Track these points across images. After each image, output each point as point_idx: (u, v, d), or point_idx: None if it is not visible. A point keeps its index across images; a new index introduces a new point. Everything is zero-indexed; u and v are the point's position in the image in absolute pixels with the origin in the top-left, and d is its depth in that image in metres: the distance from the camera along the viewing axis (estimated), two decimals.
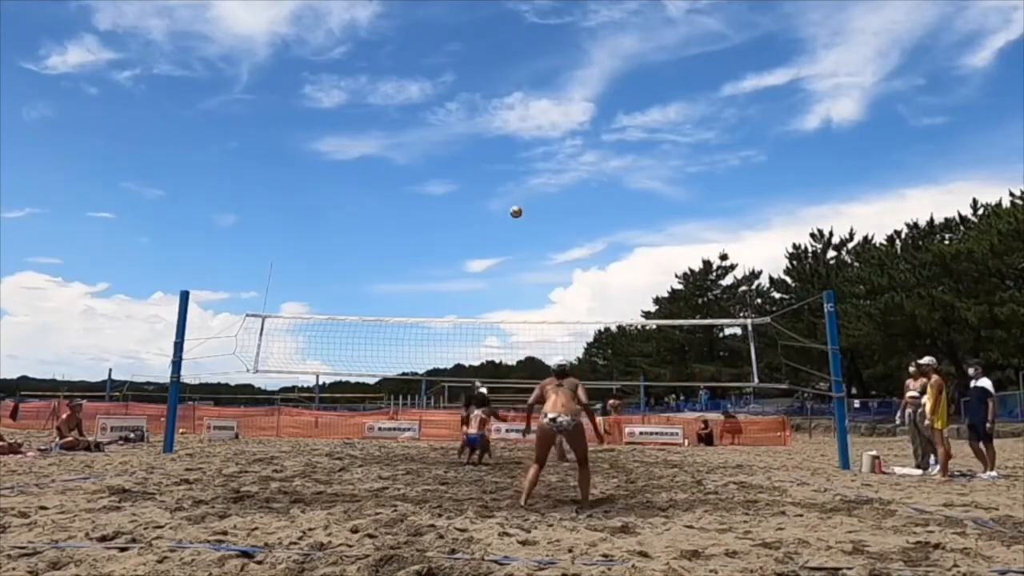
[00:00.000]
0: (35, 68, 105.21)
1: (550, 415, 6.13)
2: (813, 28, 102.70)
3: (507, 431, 19.31)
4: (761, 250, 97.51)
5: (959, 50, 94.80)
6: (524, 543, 4.23)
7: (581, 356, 66.69)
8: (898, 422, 11.31)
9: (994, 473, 9.44)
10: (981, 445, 9.78)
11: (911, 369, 10.69)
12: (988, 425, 9.71)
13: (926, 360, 10.13)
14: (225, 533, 4.39)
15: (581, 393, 6.36)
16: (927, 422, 9.80)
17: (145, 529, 4.46)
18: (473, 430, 11.37)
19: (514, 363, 72.35)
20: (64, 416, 12.91)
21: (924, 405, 9.84)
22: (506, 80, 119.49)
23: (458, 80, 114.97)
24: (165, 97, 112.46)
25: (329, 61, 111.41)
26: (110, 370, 63.78)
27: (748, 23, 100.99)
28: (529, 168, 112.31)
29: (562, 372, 6.51)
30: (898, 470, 10.20)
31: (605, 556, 3.89)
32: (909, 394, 10.33)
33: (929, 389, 9.55)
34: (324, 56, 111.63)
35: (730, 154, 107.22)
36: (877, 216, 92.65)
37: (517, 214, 11.56)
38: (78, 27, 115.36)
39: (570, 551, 3.99)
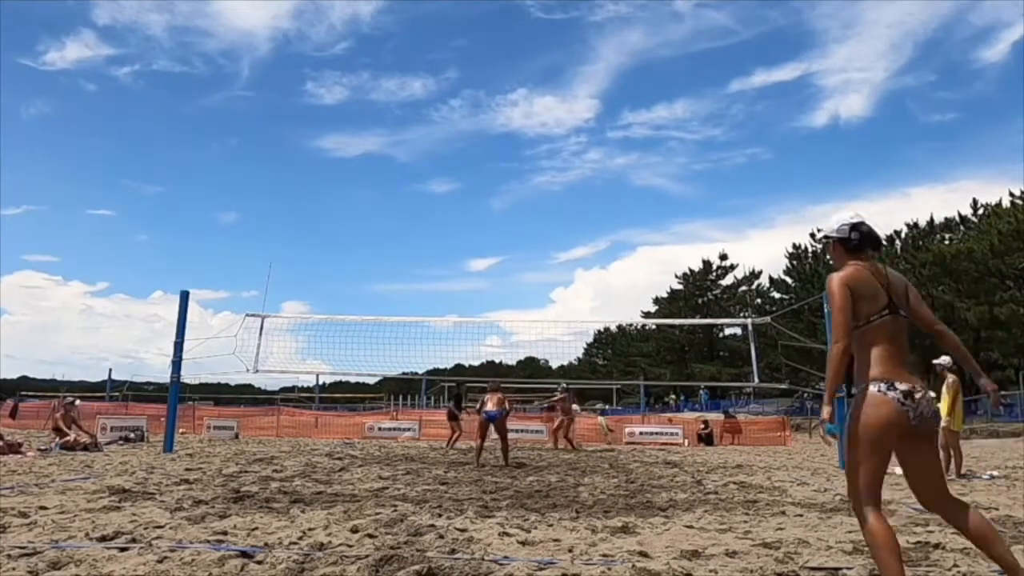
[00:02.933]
0: (33, 64, 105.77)
1: None
2: (824, 21, 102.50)
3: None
4: (765, 249, 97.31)
5: (973, 44, 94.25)
6: (524, 543, 4.23)
7: (581, 356, 66.82)
8: None
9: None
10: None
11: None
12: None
13: (942, 360, 9.95)
14: (225, 533, 4.39)
15: None
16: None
17: (145, 529, 4.46)
18: (492, 406, 10.83)
19: (514, 362, 72.37)
20: (59, 415, 12.88)
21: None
22: (510, 76, 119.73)
23: (462, 76, 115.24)
24: (165, 93, 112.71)
25: (331, 57, 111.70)
26: (110, 370, 63.89)
27: (757, 17, 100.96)
28: (533, 166, 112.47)
29: None
30: (898, 470, 10.18)
31: (605, 556, 3.89)
32: None
33: (945, 390, 9.46)
34: (326, 52, 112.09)
35: (737, 151, 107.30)
36: (883, 215, 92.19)
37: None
38: (76, 22, 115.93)
39: (570, 551, 3.99)
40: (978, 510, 2.98)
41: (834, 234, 3.11)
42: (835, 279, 2.95)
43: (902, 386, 2.82)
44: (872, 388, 2.87)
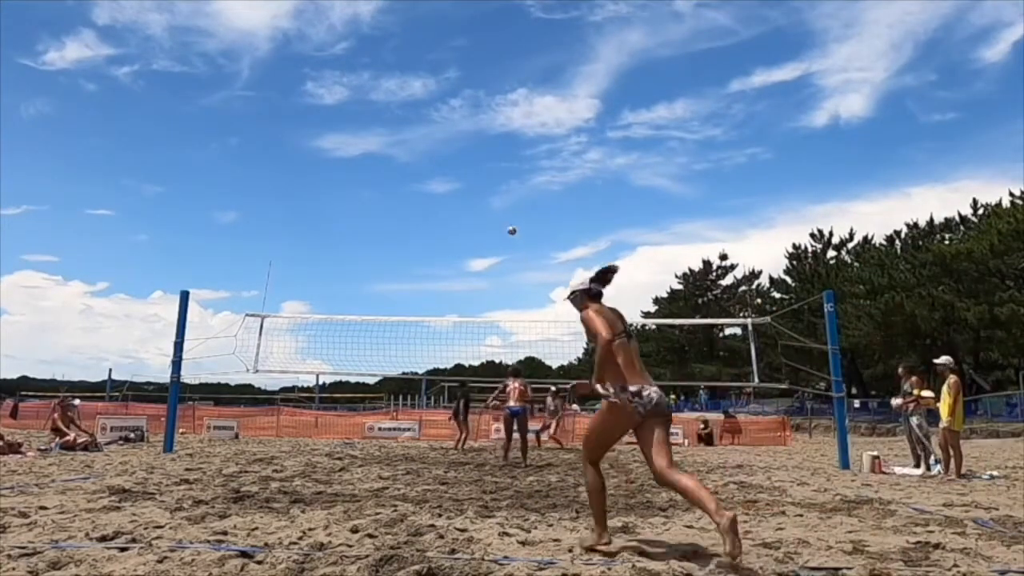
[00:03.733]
0: (33, 64, 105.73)
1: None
2: (825, 20, 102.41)
3: None
4: (765, 249, 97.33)
5: (973, 44, 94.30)
6: (524, 543, 4.23)
7: (581, 356, 66.75)
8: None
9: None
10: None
11: (900, 370, 10.79)
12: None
13: (943, 360, 9.92)
14: (225, 533, 4.39)
15: None
16: (914, 420, 10.04)
17: (145, 529, 4.46)
18: (515, 401, 10.52)
19: (515, 362, 72.32)
20: (56, 415, 12.86)
21: (908, 403, 10.17)
22: (510, 76, 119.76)
23: (462, 76, 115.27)
24: (165, 93, 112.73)
25: (331, 57, 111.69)
26: (110, 370, 63.94)
27: (757, 17, 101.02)
28: (533, 166, 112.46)
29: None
30: (898, 470, 10.20)
31: (605, 556, 3.89)
32: (922, 393, 10.28)
33: (946, 390, 9.44)
34: (326, 52, 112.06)
35: (737, 151, 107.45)
36: (883, 214, 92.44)
37: (513, 232, 12.08)
38: (76, 22, 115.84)
39: (570, 551, 3.99)
40: (688, 474, 3.97)
41: (580, 287, 4.23)
42: (588, 310, 4.08)
43: (632, 388, 3.84)
44: (614, 389, 3.86)
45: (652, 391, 3.84)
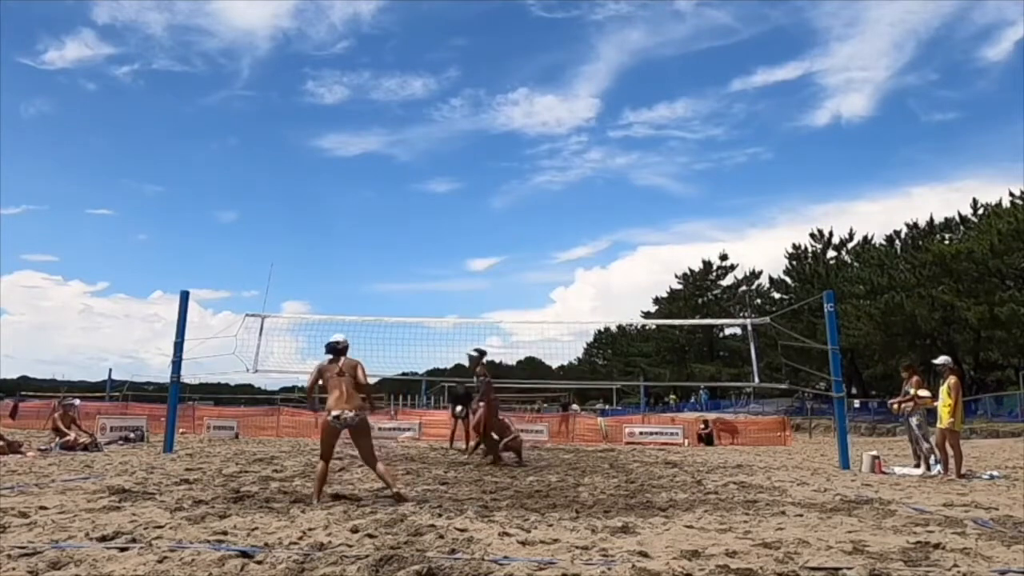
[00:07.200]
0: (32, 63, 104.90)
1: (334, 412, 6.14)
2: (826, 20, 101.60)
3: None
4: (766, 248, 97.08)
5: (975, 43, 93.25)
6: (524, 543, 4.23)
7: (581, 356, 66.84)
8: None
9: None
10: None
11: (903, 373, 10.77)
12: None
13: (942, 360, 9.90)
14: (225, 533, 4.40)
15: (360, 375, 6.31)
16: (913, 420, 10.07)
17: (145, 529, 4.46)
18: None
19: (514, 363, 72.35)
20: (58, 415, 12.85)
21: (908, 403, 10.17)
22: (511, 76, 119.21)
23: (462, 76, 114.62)
24: (165, 92, 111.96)
25: (331, 56, 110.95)
26: (110, 370, 63.70)
27: (759, 16, 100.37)
28: (534, 165, 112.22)
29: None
30: (898, 470, 10.20)
31: (605, 556, 3.89)
32: (919, 393, 10.25)
33: (946, 390, 9.42)
34: (326, 51, 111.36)
35: (737, 151, 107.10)
36: (883, 214, 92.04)
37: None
38: (76, 22, 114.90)
39: (570, 551, 3.99)
40: (382, 463, 6.34)
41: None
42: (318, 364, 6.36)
43: (335, 412, 6.02)
44: (324, 413, 6.11)
45: (346, 413, 5.88)
